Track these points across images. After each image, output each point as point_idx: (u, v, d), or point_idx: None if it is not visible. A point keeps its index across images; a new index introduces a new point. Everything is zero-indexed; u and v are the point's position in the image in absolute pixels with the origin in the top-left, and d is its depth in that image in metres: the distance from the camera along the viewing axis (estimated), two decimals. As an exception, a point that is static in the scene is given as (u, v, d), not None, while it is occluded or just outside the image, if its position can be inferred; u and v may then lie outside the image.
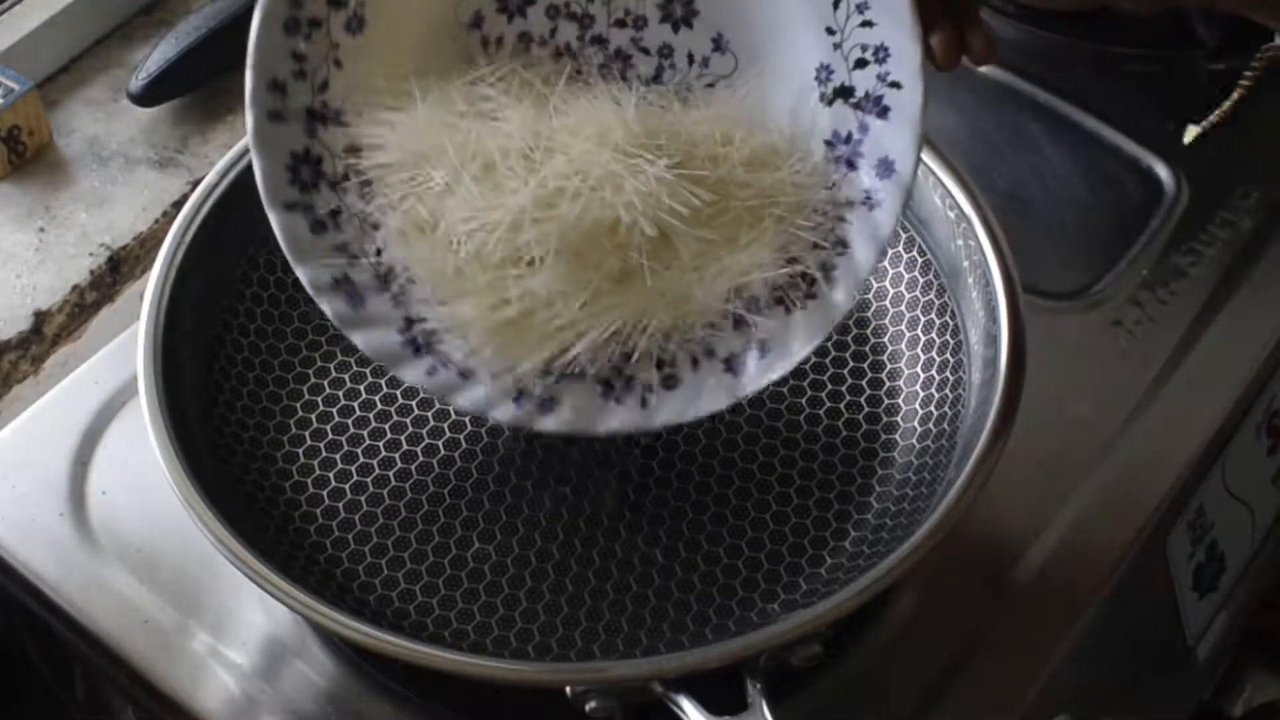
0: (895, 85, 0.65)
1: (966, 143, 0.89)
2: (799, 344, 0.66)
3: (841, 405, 0.73)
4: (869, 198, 0.66)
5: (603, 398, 0.67)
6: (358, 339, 0.67)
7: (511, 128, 0.65)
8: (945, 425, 0.71)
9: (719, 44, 0.68)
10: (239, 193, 0.74)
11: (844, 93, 0.66)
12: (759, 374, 0.66)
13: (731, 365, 0.67)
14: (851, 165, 0.66)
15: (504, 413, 0.67)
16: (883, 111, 0.65)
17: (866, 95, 0.66)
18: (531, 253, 0.63)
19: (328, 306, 0.67)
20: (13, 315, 0.85)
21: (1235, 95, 0.89)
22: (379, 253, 0.67)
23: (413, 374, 0.67)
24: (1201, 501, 0.79)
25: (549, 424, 0.67)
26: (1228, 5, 0.73)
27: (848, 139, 0.67)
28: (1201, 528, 0.80)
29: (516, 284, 0.64)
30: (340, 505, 0.71)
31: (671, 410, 0.67)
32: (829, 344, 0.75)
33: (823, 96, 0.67)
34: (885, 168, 0.66)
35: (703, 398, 0.67)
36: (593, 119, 0.65)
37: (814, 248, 0.66)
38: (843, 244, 0.66)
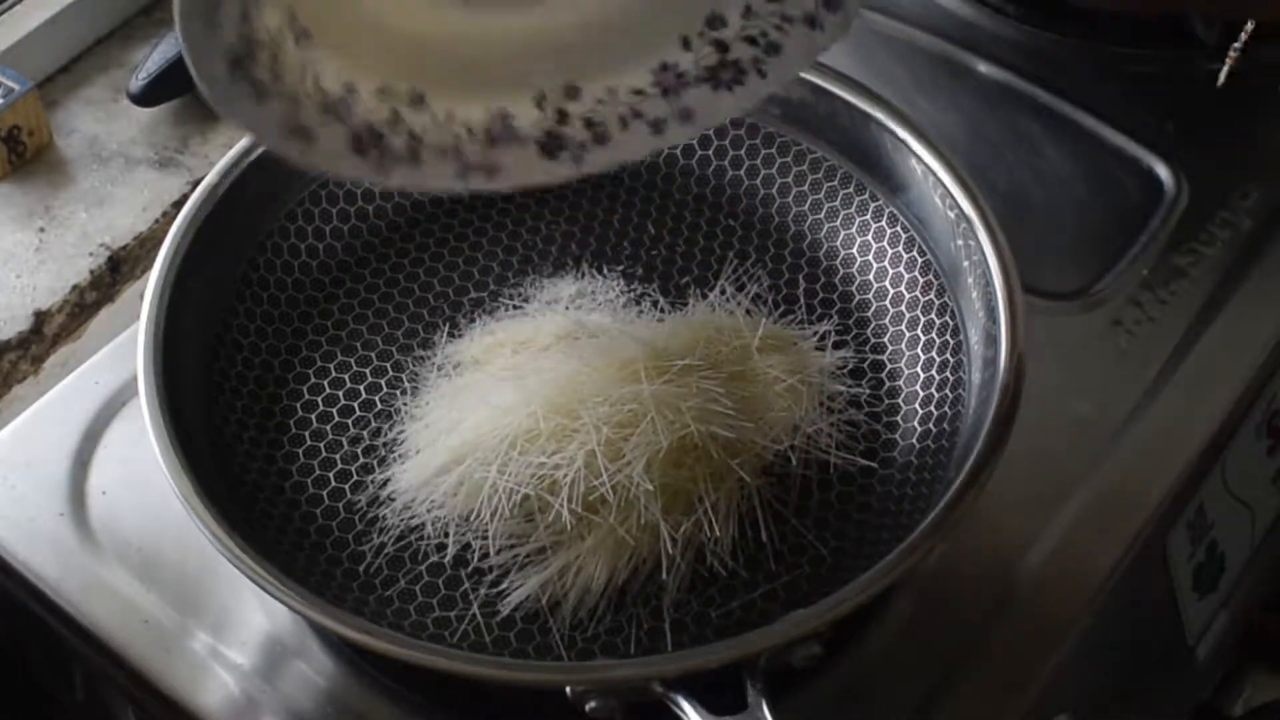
0: None
1: (966, 143, 0.89)
2: (721, 114, 0.69)
3: (841, 405, 0.73)
4: (812, 19, 0.67)
5: (540, 158, 0.68)
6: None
7: (531, 404, 0.68)
8: (945, 425, 0.71)
9: None
10: (239, 193, 0.74)
11: None
12: (682, 134, 0.70)
13: (658, 127, 0.69)
14: None
15: (444, 182, 0.68)
16: None
17: None
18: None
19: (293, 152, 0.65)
20: (13, 315, 0.85)
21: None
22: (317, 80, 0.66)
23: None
24: (1201, 501, 0.79)
25: (492, 186, 0.68)
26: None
27: None
28: (1201, 528, 0.80)
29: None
30: (340, 505, 0.71)
31: (601, 161, 0.69)
32: (829, 343, 0.75)
33: None
34: (831, 2, 0.67)
35: (629, 149, 0.69)
36: (608, 359, 0.69)
37: (749, 42, 0.68)
38: (775, 48, 0.68)
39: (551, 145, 0.68)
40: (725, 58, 0.69)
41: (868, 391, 0.74)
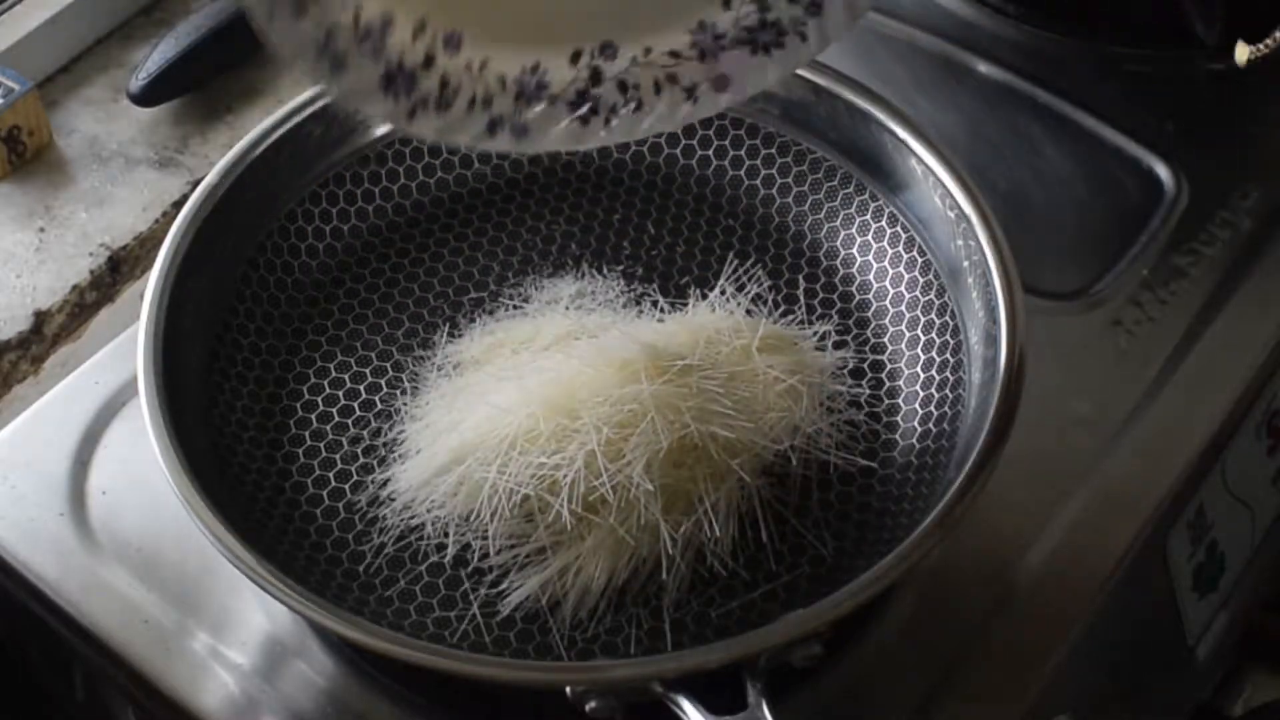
0: None
1: (966, 143, 0.89)
2: (755, 81, 0.68)
3: (841, 405, 0.73)
4: None
5: (569, 120, 0.67)
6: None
7: (531, 404, 0.68)
8: (945, 425, 0.71)
9: None
10: (239, 193, 0.74)
11: None
12: (715, 102, 0.68)
13: (692, 94, 0.68)
14: None
15: (471, 137, 0.67)
16: None
17: None
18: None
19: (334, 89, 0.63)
20: (13, 315, 0.85)
21: None
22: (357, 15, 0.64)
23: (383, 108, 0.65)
24: (1201, 501, 0.79)
25: (519, 148, 0.68)
26: None
27: None
28: (1201, 528, 0.80)
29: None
30: (340, 505, 0.71)
31: (631, 129, 0.68)
32: (829, 343, 0.75)
33: None
34: None
35: (660, 116, 0.68)
36: (608, 359, 0.69)
37: (789, 2, 0.67)
38: (817, 7, 0.67)
39: (582, 107, 0.67)
40: (766, 17, 0.68)
41: (868, 391, 0.74)
